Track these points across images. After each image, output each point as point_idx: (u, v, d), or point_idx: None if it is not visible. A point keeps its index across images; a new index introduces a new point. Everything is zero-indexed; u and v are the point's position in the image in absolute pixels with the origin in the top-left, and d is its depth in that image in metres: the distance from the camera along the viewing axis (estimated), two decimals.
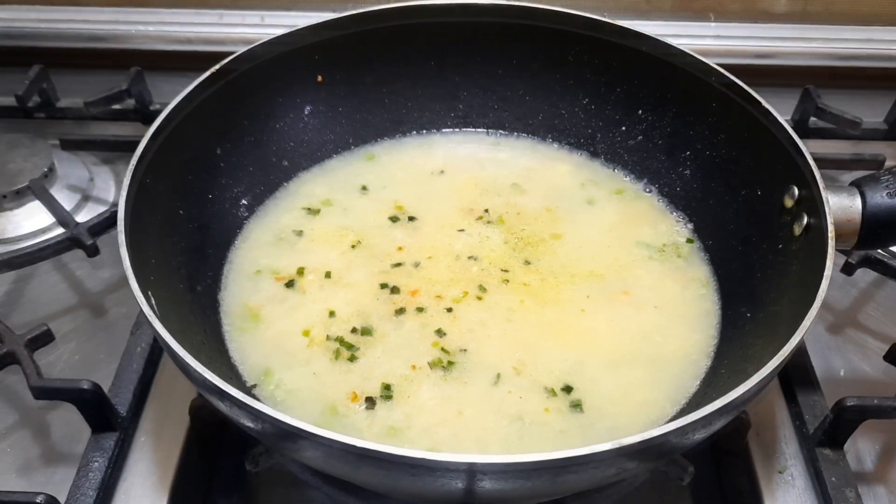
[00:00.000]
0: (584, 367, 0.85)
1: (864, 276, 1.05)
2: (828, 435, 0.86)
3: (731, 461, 0.90)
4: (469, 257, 0.96)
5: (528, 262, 0.96)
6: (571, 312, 0.90)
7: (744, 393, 0.65)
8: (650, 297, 0.93)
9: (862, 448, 0.89)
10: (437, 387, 0.84)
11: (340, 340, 0.88)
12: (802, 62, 1.33)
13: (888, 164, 1.20)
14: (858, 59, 1.34)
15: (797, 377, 0.93)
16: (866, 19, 1.34)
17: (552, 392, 0.83)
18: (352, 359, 0.86)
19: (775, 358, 0.67)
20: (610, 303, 0.92)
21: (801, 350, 0.96)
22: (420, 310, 0.91)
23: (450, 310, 0.91)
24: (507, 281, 0.93)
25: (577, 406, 0.82)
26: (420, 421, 0.81)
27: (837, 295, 1.06)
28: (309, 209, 1.03)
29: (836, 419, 0.85)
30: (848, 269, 1.01)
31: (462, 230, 1.00)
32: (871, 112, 1.27)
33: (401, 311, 0.91)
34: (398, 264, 0.96)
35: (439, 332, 0.88)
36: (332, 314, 0.91)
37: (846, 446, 0.86)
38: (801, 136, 1.20)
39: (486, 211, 1.02)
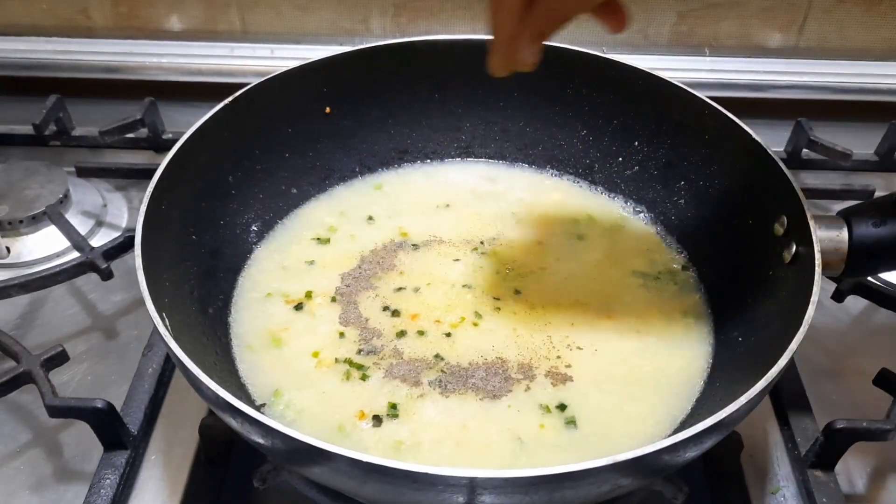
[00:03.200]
0: (578, 390, 0.88)
1: (856, 303, 1.08)
2: (819, 457, 0.88)
3: (725, 482, 0.92)
4: (463, 286, 0.99)
5: (518, 292, 0.99)
6: (559, 336, 0.94)
7: (733, 412, 0.67)
8: (644, 323, 0.95)
9: (853, 470, 0.91)
10: (441, 404, 0.86)
11: (350, 362, 0.91)
12: (795, 95, 1.36)
13: (878, 194, 1.23)
14: (850, 92, 1.37)
15: (790, 401, 0.95)
16: (858, 54, 1.37)
17: (546, 409, 0.86)
18: (363, 378, 0.89)
19: (763, 379, 0.69)
20: (598, 330, 0.95)
21: (793, 374, 0.98)
22: (421, 333, 0.94)
23: (448, 335, 0.94)
24: (499, 309, 0.97)
25: (571, 423, 0.85)
26: (425, 437, 0.83)
27: (829, 321, 1.08)
28: (318, 239, 1.05)
29: (826, 441, 0.87)
30: (838, 297, 1.04)
31: (458, 260, 1.03)
32: (862, 144, 1.30)
33: (402, 334, 0.93)
34: (400, 289, 0.99)
35: (438, 357, 0.91)
36: (341, 335, 0.94)
37: (837, 468, 0.89)
38: (793, 168, 1.25)
39: (482, 243, 1.05)
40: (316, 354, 0.91)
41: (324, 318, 0.96)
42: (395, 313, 0.96)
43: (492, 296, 0.98)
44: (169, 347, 0.72)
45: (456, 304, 0.97)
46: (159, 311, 0.76)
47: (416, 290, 0.99)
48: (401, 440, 0.83)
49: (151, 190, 0.86)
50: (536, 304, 0.97)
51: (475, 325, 0.95)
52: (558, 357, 0.91)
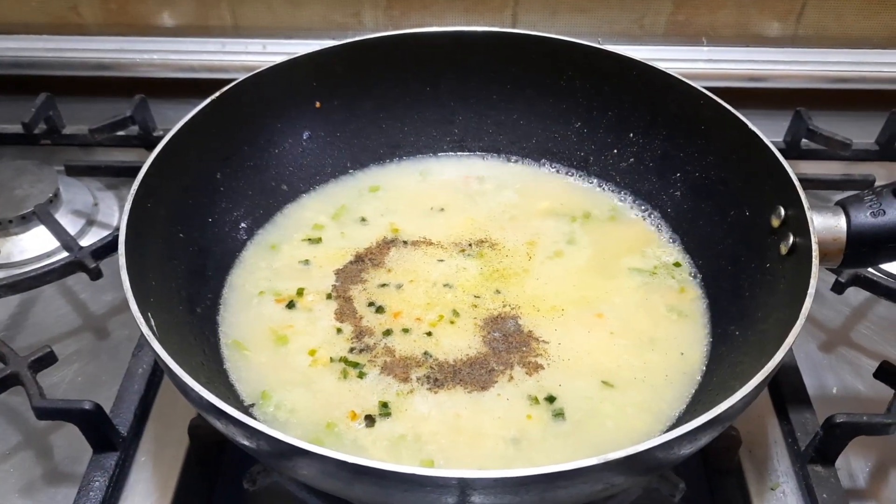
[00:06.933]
0: (554, 381, 0.88)
1: (856, 294, 1.06)
2: (819, 452, 0.87)
3: (724, 478, 0.91)
4: (444, 285, 0.99)
5: (498, 292, 0.98)
6: (536, 332, 0.94)
7: (728, 408, 0.66)
8: (635, 318, 0.95)
9: (853, 464, 0.90)
10: (431, 399, 0.86)
11: (345, 360, 0.90)
12: (794, 85, 1.35)
13: (878, 184, 1.21)
14: (849, 81, 1.35)
15: (789, 395, 0.94)
16: (857, 42, 1.36)
17: (535, 400, 0.86)
18: (360, 375, 0.88)
19: (759, 374, 0.68)
20: (587, 325, 0.94)
21: (792, 368, 0.97)
22: (406, 331, 0.93)
23: (430, 334, 0.93)
24: (476, 306, 0.96)
25: (559, 415, 0.85)
26: (418, 432, 0.83)
27: (829, 314, 1.07)
28: (310, 237, 1.04)
29: (826, 436, 0.86)
30: (838, 288, 1.03)
31: (441, 260, 1.02)
32: (861, 133, 1.28)
33: (388, 332, 0.93)
34: (384, 285, 0.99)
35: (427, 354, 0.91)
36: (339, 331, 0.93)
37: (837, 463, 0.87)
38: (792, 158, 1.24)
39: (470, 245, 1.04)
40: (313, 352, 0.91)
41: (321, 314, 0.95)
42: (380, 310, 0.95)
43: (472, 294, 0.97)
44: (152, 348, 0.71)
45: (435, 303, 0.96)
46: (144, 312, 0.75)
47: (399, 286, 0.98)
48: (403, 434, 0.83)
49: (136, 187, 0.85)
50: (515, 304, 0.96)
51: (452, 322, 0.94)
52: (531, 350, 0.91)
